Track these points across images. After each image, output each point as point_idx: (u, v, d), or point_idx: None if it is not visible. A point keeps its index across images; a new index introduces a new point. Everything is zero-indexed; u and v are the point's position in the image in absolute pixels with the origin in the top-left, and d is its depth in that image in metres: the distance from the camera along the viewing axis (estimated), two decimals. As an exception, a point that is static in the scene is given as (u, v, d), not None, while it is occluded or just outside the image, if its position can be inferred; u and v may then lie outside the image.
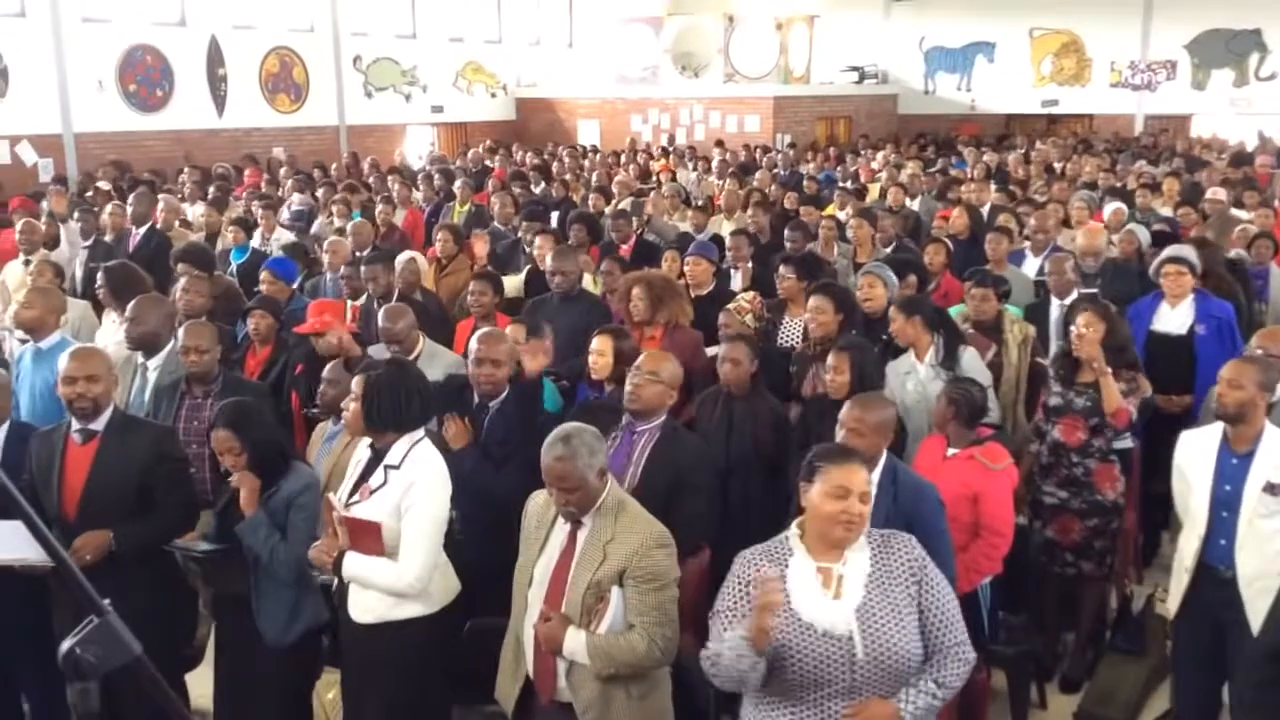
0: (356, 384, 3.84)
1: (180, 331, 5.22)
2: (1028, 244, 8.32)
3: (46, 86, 16.23)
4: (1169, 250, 6.87)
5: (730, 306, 6.03)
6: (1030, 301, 7.10)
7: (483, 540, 4.25)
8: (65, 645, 1.43)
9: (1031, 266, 7.86)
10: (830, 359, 4.96)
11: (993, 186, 12.19)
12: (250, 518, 3.97)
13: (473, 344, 4.79)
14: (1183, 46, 23.32)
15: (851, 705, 2.87)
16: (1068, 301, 6.61)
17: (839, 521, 2.92)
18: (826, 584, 2.94)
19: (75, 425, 4.21)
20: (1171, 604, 4.37)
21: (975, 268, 7.15)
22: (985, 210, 10.34)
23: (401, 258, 7.36)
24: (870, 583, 2.93)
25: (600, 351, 5.20)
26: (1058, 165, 15.39)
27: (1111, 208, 9.98)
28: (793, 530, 3.06)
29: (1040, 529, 5.27)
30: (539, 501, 3.65)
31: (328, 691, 4.26)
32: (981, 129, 23.82)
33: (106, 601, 1.43)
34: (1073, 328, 5.30)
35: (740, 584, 3.02)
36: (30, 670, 4.40)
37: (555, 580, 3.47)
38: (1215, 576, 4.14)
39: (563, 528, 3.52)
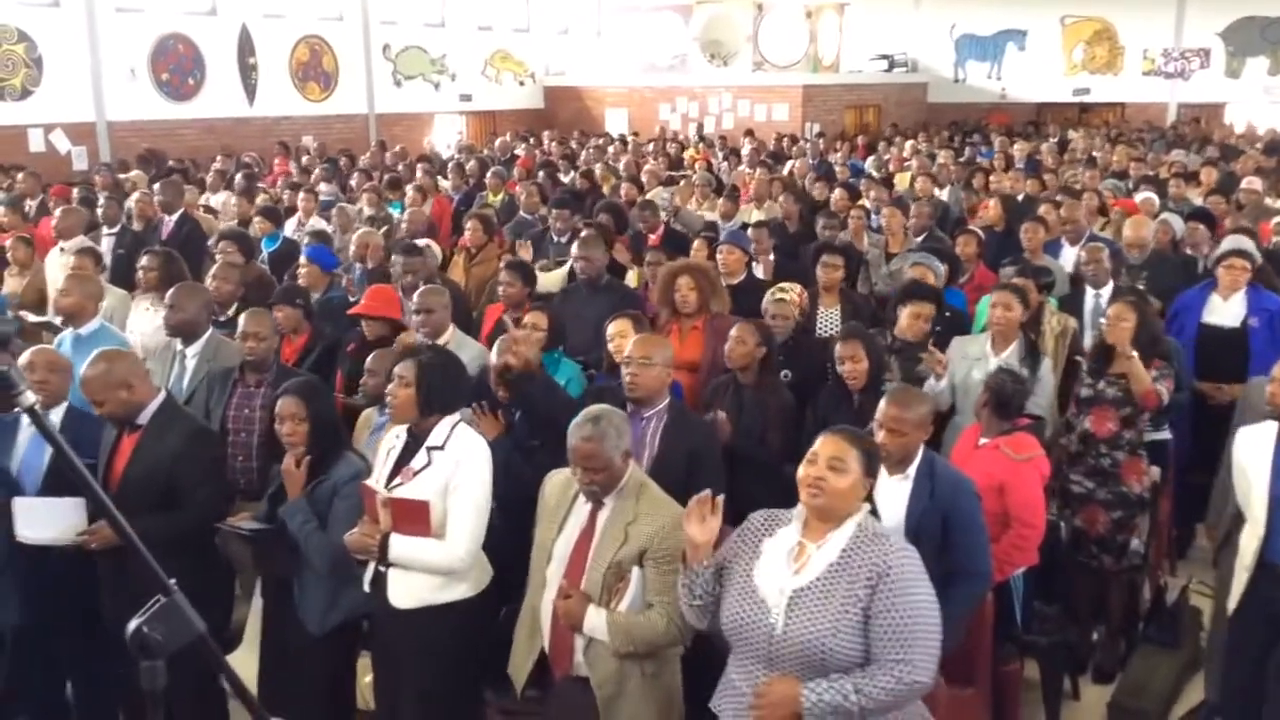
0: (407, 370, 3.81)
1: (241, 318, 5.26)
2: (1063, 234, 8.25)
3: (80, 75, 16.38)
4: (1230, 242, 6.81)
5: (784, 298, 5.91)
6: (1065, 293, 7.05)
7: (513, 526, 4.28)
8: (132, 624, 1.46)
9: (1069, 257, 7.78)
10: (843, 348, 4.97)
11: (1024, 176, 12.11)
12: (292, 501, 3.99)
13: (491, 355, 4.76)
14: (1216, 34, 23.11)
15: (767, 677, 2.93)
16: (1103, 292, 6.59)
17: (804, 486, 2.99)
18: (797, 558, 3.00)
19: None
20: (1231, 601, 4.32)
21: (1015, 257, 7.11)
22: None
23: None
24: (828, 571, 2.94)
25: (620, 333, 5.21)
26: (1095, 155, 15.25)
27: (1141, 197, 9.92)
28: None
29: (1070, 517, 5.25)
30: (557, 481, 3.72)
31: (364, 675, 4.29)
32: (1012, 118, 23.67)
33: (172, 581, 1.46)
34: (1101, 319, 5.29)
35: (739, 536, 3.15)
36: (74, 651, 4.46)
37: (575, 558, 3.54)
38: (1276, 574, 4.09)
39: (583, 507, 3.59)
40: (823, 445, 3.03)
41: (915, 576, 2.93)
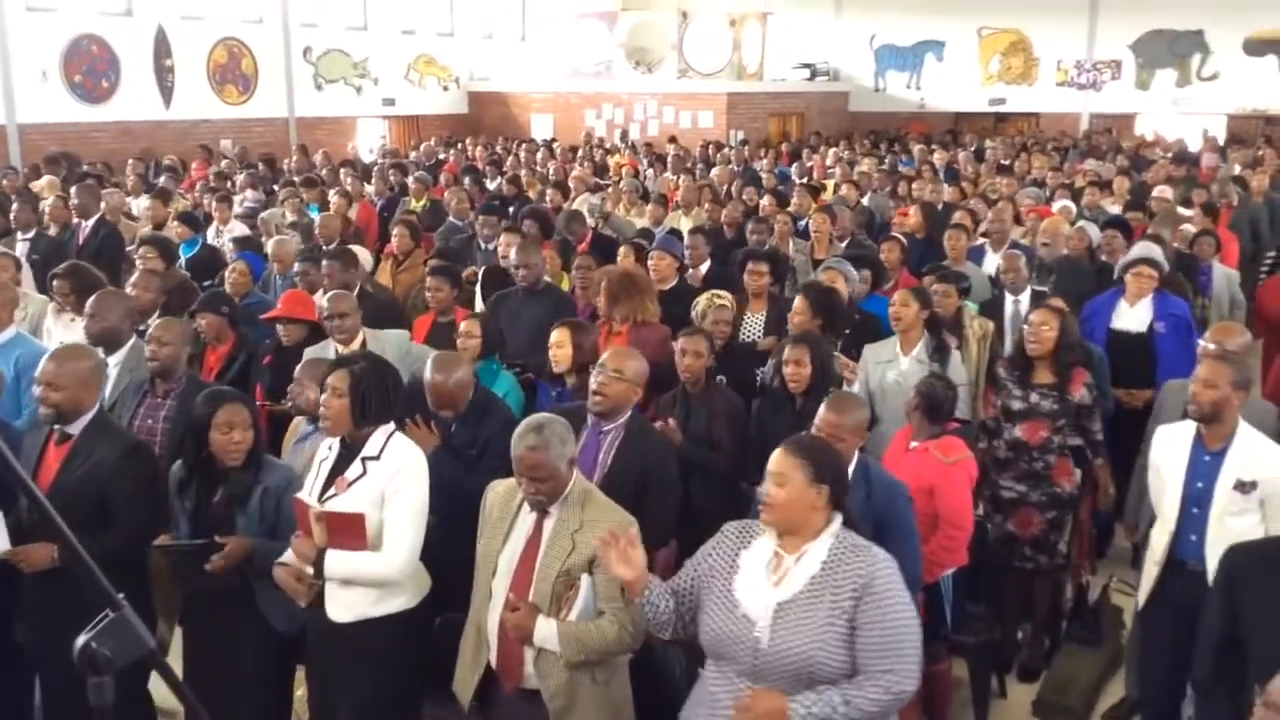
0: (339, 380, 3.72)
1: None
2: (986, 240, 8.43)
3: (-11, 76, 15.92)
4: (1139, 250, 7.00)
5: (726, 304, 5.96)
6: (986, 298, 7.20)
7: (452, 537, 4.24)
8: (80, 640, 1.43)
9: (992, 263, 7.94)
10: (790, 351, 5.01)
11: (944, 184, 12.33)
12: (255, 545, 3.92)
13: (426, 374, 4.68)
14: (1127, 46, 23.71)
15: (751, 690, 2.91)
16: (1022, 298, 6.75)
17: (760, 505, 3.02)
18: (775, 570, 2.98)
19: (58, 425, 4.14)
20: (1141, 596, 4.44)
21: (934, 263, 7.24)
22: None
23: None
24: (811, 584, 2.92)
25: (559, 343, 5.20)
26: (1005, 162, 15.59)
27: (1058, 205, 10.16)
28: None
29: (1001, 522, 5.34)
30: (499, 491, 3.67)
31: (298, 687, 4.22)
32: (930, 127, 24.05)
33: (121, 596, 1.43)
34: (1026, 327, 5.38)
35: (714, 548, 3.14)
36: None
37: (522, 569, 3.49)
38: (1185, 571, 4.18)
39: (528, 517, 3.54)
40: (770, 462, 3.04)
41: (898, 586, 2.92)
